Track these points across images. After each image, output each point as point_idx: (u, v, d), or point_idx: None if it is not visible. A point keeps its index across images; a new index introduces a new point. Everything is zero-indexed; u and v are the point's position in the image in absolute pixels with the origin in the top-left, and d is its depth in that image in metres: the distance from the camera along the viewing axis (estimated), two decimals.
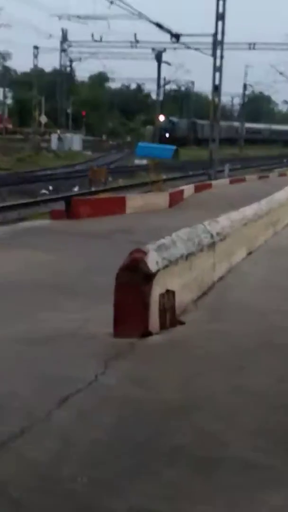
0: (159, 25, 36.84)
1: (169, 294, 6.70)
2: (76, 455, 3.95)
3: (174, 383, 5.24)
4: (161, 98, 76.12)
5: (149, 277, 6.29)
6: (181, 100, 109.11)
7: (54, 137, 69.71)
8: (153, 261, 6.40)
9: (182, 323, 6.82)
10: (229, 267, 9.84)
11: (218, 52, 33.90)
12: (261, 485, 3.69)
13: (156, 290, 6.42)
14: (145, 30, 76.84)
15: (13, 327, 6.79)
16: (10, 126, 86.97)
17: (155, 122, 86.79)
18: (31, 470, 3.76)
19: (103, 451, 4.03)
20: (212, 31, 33.76)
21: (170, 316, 6.69)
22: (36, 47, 65.70)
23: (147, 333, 6.26)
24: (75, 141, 71.91)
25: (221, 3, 32.71)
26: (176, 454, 4.02)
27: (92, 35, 56.46)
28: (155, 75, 70.45)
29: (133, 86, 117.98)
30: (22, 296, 8.70)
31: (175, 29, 38.85)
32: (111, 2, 33.09)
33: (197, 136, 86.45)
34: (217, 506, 3.47)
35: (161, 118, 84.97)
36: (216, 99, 35.74)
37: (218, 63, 33.93)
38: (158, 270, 6.42)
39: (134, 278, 6.24)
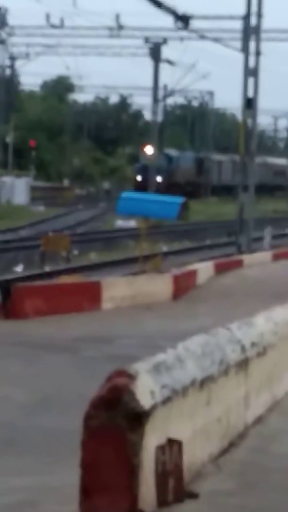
0: (156, 2, 37.32)
1: (173, 446, 6.68)
2: None
3: None
4: (159, 118, 76.92)
5: (140, 418, 6.27)
6: (192, 122, 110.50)
7: None
8: (146, 392, 6.40)
9: (193, 495, 6.78)
10: (273, 400, 9.83)
11: (252, 45, 34.38)
12: None
13: (151, 440, 6.40)
14: (133, 9, 78.21)
15: None
16: None
17: (140, 157, 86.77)
18: None
19: None
20: (242, 11, 34.37)
21: (175, 484, 6.66)
22: None
23: None
24: (18, 189, 72.76)
25: None
26: None
27: (48, 18, 57.49)
28: (149, 82, 71.35)
29: (114, 99, 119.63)
30: None
31: (182, 8, 39.50)
32: None
33: (210, 181, 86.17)
34: None
35: (149, 150, 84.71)
36: (250, 121, 36.07)
37: (252, 63, 34.39)
38: (154, 407, 6.42)
39: (114, 419, 6.23)
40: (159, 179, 77.14)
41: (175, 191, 70.17)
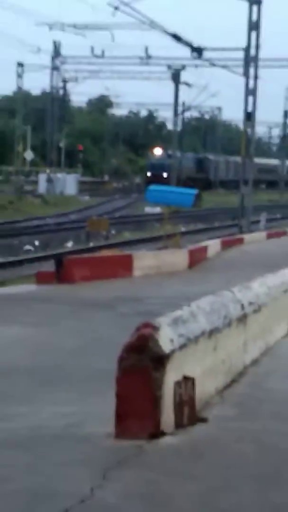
0: (176, 37, 37.18)
1: (188, 382, 6.66)
2: None
3: (193, 500, 5.16)
4: (179, 128, 76.60)
5: (162, 360, 6.25)
6: (204, 131, 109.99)
7: (42, 178, 70.49)
8: (166, 339, 6.37)
9: (203, 420, 6.77)
10: (266, 347, 9.80)
11: (252, 71, 34.27)
12: None
13: (171, 377, 6.37)
14: (158, 43, 77.98)
15: None
16: None
17: (149, 156, 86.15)
18: None
19: None
20: (244, 44, 34.15)
21: (189, 411, 6.64)
22: (20, 64, 66.79)
23: (158, 433, 6.19)
24: (69, 182, 72.59)
25: (254, 8, 33.08)
26: None
27: (92, 49, 57.28)
28: (171, 100, 71.12)
29: (144, 113, 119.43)
30: None
31: (196, 42, 39.33)
32: (116, 8, 33.48)
33: (209, 177, 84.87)
34: None
35: (157, 151, 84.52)
36: (249, 130, 35.97)
37: (251, 85, 34.29)
38: (173, 351, 6.39)
39: (141, 361, 6.20)
40: (165, 175, 76.85)
41: (179, 184, 68.42)
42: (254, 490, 5.36)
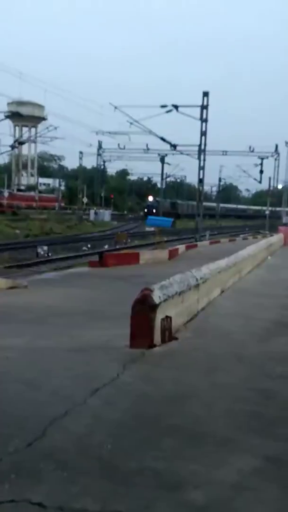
0: (162, 139, 37.33)
1: (168, 319, 6.67)
2: (103, 429, 3.91)
3: (171, 379, 5.19)
4: (163, 186, 76.44)
5: (154, 307, 6.27)
6: (177, 187, 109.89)
7: (92, 212, 70.38)
8: (157, 296, 6.39)
9: (176, 338, 6.77)
10: (208, 301, 9.80)
11: (202, 157, 34.21)
12: (230, 452, 3.63)
13: (159, 316, 6.39)
14: (153, 141, 78.05)
15: (59, 340, 6.77)
16: (63, 204, 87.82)
17: (146, 201, 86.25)
18: (72, 439, 3.72)
19: (122, 427, 3.98)
20: (198, 143, 34.11)
21: (168, 334, 6.65)
22: (81, 152, 66.72)
23: (152, 345, 6.21)
24: (106, 214, 72.53)
25: (204, 124, 33.14)
26: (173, 429, 3.97)
27: (118, 145, 57.24)
28: (159, 171, 70.87)
29: (145, 178, 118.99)
30: (65, 318, 8.70)
31: (173, 141, 39.30)
32: (131, 123, 33.68)
33: (178, 212, 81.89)
34: (202, 465, 3.42)
35: (150, 198, 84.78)
36: (201, 188, 35.92)
37: (201, 164, 34.22)
38: (160, 302, 6.41)
39: (144, 307, 6.22)
40: (154, 210, 75.82)
41: (162, 216, 67.87)
42: (201, 376, 5.39)
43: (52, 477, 3.17)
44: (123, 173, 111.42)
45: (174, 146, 39.67)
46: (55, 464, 3.32)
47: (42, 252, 26.48)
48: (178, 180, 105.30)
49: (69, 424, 3.94)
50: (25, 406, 4.28)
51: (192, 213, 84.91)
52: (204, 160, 34.16)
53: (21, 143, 57.00)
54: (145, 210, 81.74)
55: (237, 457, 3.54)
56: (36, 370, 5.26)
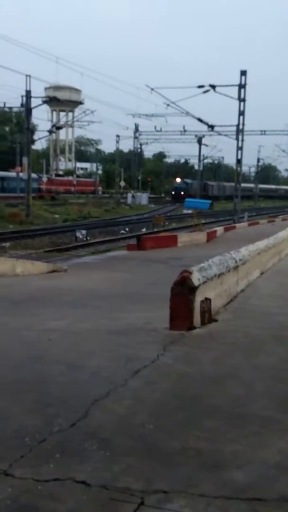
0: (199, 120, 36.74)
1: (207, 301, 6.66)
2: (144, 409, 3.95)
3: (212, 361, 5.19)
4: (201, 168, 75.62)
5: (193, 289, 6.26)
6: (214, 169, 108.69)
7: (129, 195, 70.37)
8: (196, 278, 6.38)
9: (215, 320, 6.76)
10: (248, 283, 9.74)
11: (240, 137, 33.72)
12: (272, 433, 3.62)
13: (198, 298, 6.39)
14: (190, 123, 77.25)
15: (98, 322, 6.84)
16: (100, 188, 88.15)
17: (174, 183, 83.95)
18: (114, 419, 3.77)
19: (163, 407, 4.01)
20: (236, 123, 33.62)
21: (208, 316, 6.64)
22: (117, 136, 66.54)
23: (192, 327, 6.22)
24: (143, 198, 72.44)
25: (241, 104, 32.60)
26: (214, 410, 3.97)
27: (155, 127, 56.88)
28: (197, 153, 70.30)
29: (182, 160, 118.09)
30: (105, 301, 8.77)
31: (210, 122, 38.71)
32: (168, 105, 33.24)
33: (208, 194, 78.11)
34: (244, 445, 3.42)
35: (178, 180, 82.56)
36: (239, 169, 35.45)
37: (240, 144, 33.74)
38: (199, 285, 6.39)
39: (183, 290, 6.22)
40: (182, 193, 74.10)
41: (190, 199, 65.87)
42: (241, 357, 5.37)
43: (96, 457, 3.23)
44: (160, 156, 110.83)
45: (211, 127, 39.07)
46: (98, 444, 3.37)
47: (80, 236, 26.72)
48: (216, 162, 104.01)
49: (111, 405, 4.00)
50: (68, 387, 4.35)
51: (224, 195, 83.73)
52: (242, 140, 33.67)
53: (59, 128, 57.06)
54: (173, 192, 79.81)
55: (279, 437, 3.53)
56: (77, 352, 5.34)
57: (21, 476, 2.99)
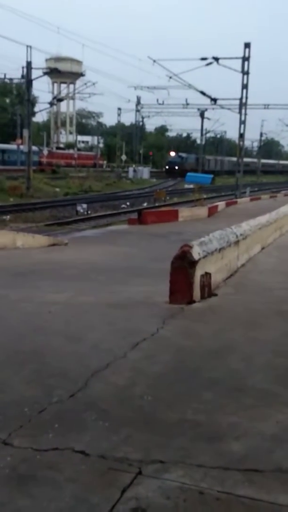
0: (202, 93, 36.23)
1: (207, 275, 6.66)
2: (143, 381, 3.97)
3: (211, 334, 5.21)
4: (203, 142, 74.87)
5: (194, 263, 6.26)
6: (216, 144, 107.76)
7: (131, 169, 69.98)
8: (196, 253, 6.37)
9: (215, 294, 6.78)
10: (248, 257, 9.74)
11: (243, 111, 33.37)
12: (270, 405, 3.65)
13: (198, 272, 6.39)
14: (193, 96, 76.37)
15: (99, 296, 6.85)
16: (101, 162, 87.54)
17: (168, 157, 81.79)
18: (113, 390, 3.80)
19: (162, 380, 4.04)
20: (239, 96, 33.23)
21: (208, 290, 6.66)
22: (119, 109, 65.88)
23: (192, 301, 6.23)
24: (144, 172, 72.00)
25: (245, 77, 32.20)
26: (212, 383, 4.00)
27: (157, 100, 56.17)
28: (199, 127, 69.31)
29: (184, 134, 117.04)
30: (105, 275, 8.78)
31: (213, 95, 38.21)
32: (170, 77, 32.80)
33: (204, 169, 74.13)
34: (242, 418, 3.45)
35: (172, 154, 79.88)
36: (241, 143, 35.15)
37: (242, 118, 33.44)
38: (199, 259, 6.39)
39: (183, 264, 6.22)
40: (176, 167, 72.04)
41: (184, 173, 63.81)
42: (241, 331, 5.38)
43: (95, 427, 3.26)
44: (162, 130, 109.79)
45: (214, 100, 38.55)
46: (97, 414, 3.40)
47: (81, 210, 26.64)
48: (218, 136, 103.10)
49: (110, 376, 4.02)
50: (68, 358, 4.38)
51: (221, 170, 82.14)
52: (245, 114, 33.35)
53: (60, 100, 56.44)
54: (166, 167, 77.50)
55: (277, 410, 3.56)
56: (77, 325, 5.36)
57: (20, 445, 3.01)
